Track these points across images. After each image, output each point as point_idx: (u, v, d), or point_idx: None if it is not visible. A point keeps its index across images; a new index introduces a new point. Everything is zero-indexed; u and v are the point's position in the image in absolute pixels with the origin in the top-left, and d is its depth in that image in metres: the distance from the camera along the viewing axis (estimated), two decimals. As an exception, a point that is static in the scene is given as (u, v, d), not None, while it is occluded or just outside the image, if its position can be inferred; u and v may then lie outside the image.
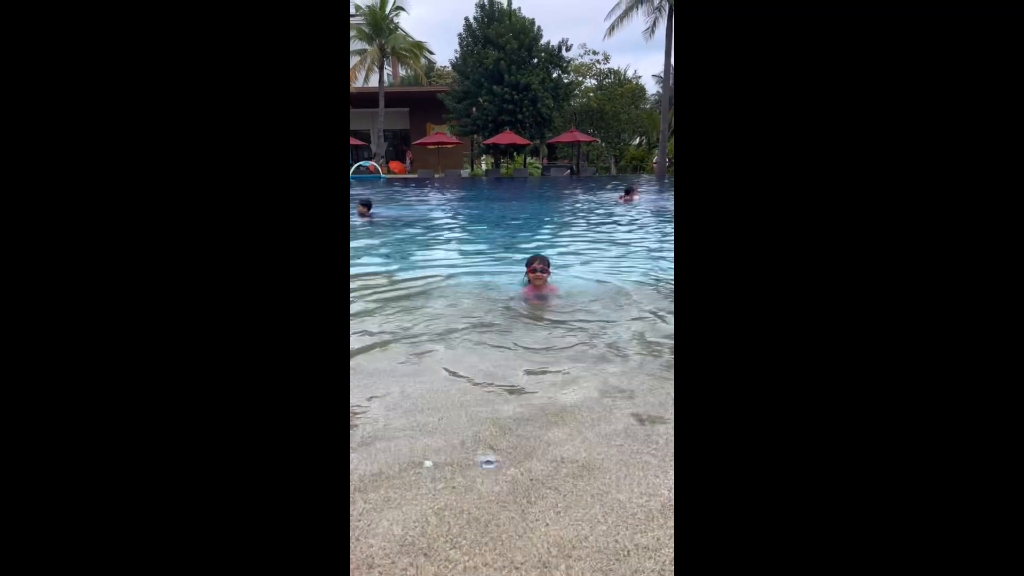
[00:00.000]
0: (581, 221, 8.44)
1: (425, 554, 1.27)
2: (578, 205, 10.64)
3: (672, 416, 1.96)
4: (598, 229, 7.48)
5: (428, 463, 1.66)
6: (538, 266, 3.64)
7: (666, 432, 1.83)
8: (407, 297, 3.87)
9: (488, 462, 1.67)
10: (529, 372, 2.45)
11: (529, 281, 3.71)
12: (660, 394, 2.17)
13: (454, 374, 2.43)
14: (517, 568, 1.23)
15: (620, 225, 7.80)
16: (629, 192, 10.18)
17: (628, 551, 1.28)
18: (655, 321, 3.23)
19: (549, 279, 3.74)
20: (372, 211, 8.43)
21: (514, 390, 2.24)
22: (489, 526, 1.37)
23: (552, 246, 6.18)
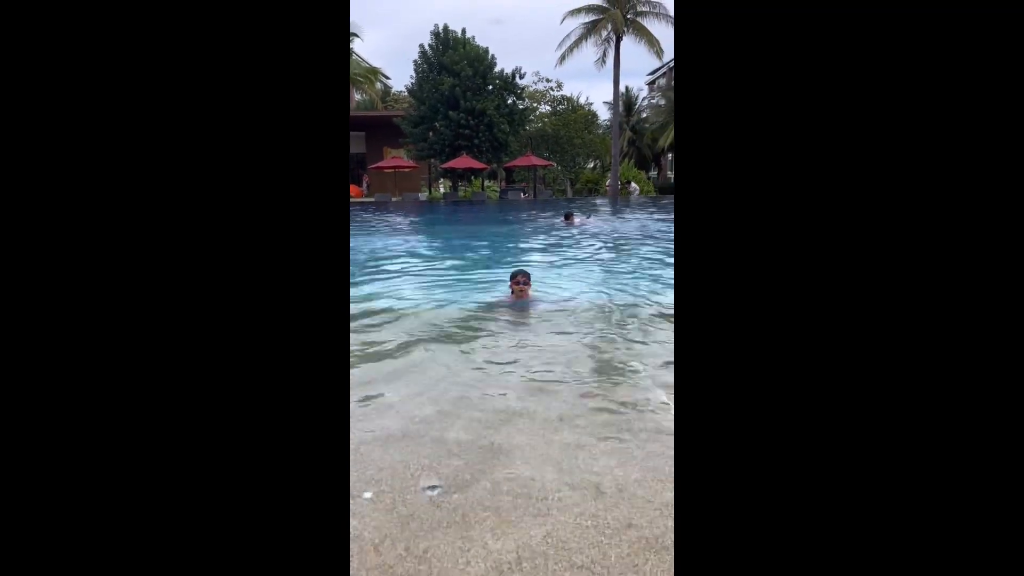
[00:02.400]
0: (534, 242, 8.60)
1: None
2: (531, 228, 10.86)
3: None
4: (547, 250, 7.66)
5: (367, 495, 1.65)
6: (521, 279, 4.02)
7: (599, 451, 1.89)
8: (364, 317, 3.83)
9: (432, 487, 1.67)
10: (483, 393, 2.47)
11: (512, 293, 4.04)
12: (604, 417, 2.24)
13: (407, 397, 2.42)
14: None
15: (562, 247, 8.04)
16: (569, 216, 10.82)
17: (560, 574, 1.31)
18: (608, 339, 3.33)
19: (531, 291, 4.11)
20: None
21: (464, 413, 2.25)
22: (428, 551, 1.37)
23: (514, 265, 6.27)
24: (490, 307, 4.16)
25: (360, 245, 8.32)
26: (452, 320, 3.86)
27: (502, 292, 4.41)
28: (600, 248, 7.97)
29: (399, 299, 4.64)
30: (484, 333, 3.55)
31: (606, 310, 4.17)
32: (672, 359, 2.95)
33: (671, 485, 1.62)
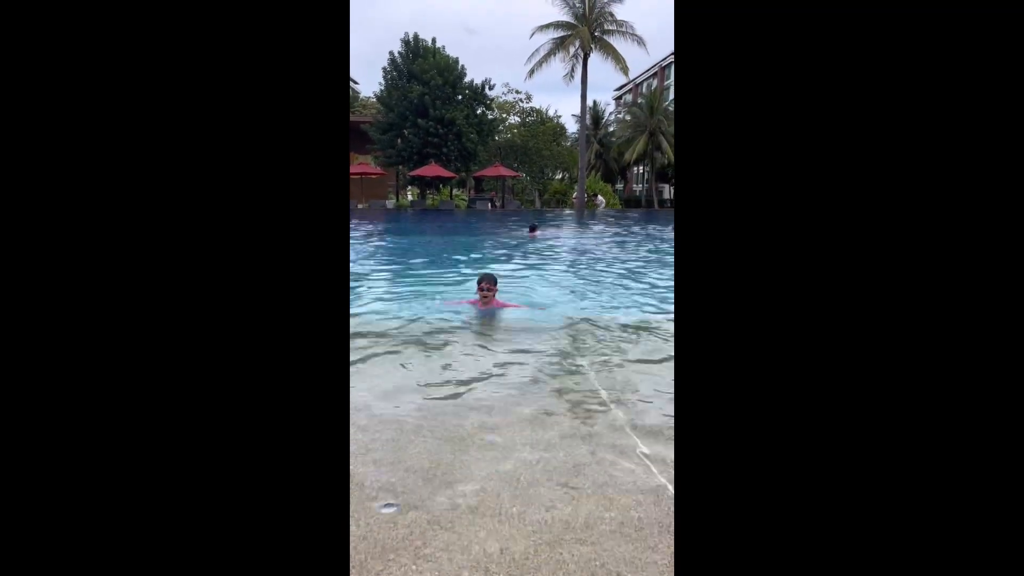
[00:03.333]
0: (498, 253, 8.60)
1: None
2: (493, 239, 10.89)
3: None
4: (509, 260, 7.70)
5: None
6: (484, 285, 4.03)
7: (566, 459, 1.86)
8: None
9: (388, 505, 1.59)
10: (447, 402, 2.40)
11: (479, 298, 4.05)
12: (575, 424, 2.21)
13: (367, 407, 2.33)
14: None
15: (527, 256, 8.12)
16: (533, 229, 11.37)
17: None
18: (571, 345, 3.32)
19: (497, 295, 4.15)
20: None
21: (425, 424, 2.18)
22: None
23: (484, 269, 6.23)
24: (455, 315, 4.10)
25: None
26: (415, 328, 3.78)
27: (467, 298, 4.37)
28: (564, 259, 8.04)
29: (363, 305, 4.52)
30: (446, 342, 3.48)
31: (571, 320, 4.18)
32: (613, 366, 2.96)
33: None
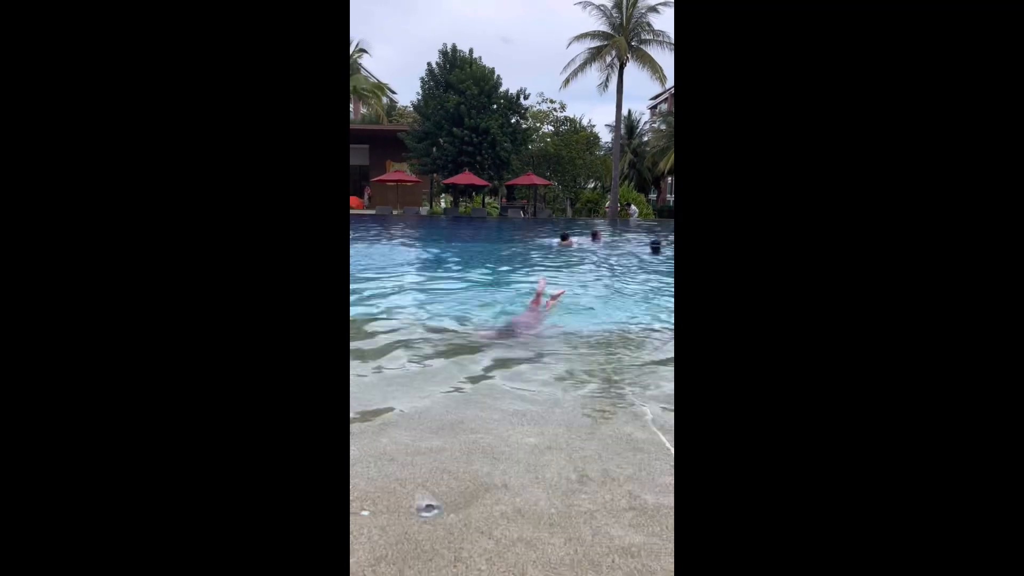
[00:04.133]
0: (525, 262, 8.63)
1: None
2: (524, 248, 10.93)
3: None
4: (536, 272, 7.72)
5: (365, 512, 1.62)
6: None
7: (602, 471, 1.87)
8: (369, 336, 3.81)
9: (430, 506, 1.65)
10: (482, 410, 2.45)
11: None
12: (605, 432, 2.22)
13: (404, 413, 2.40)
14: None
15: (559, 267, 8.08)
16: (565, 237, 11.08)
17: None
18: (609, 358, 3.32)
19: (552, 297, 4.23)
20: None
21: (463, 429, 2.23)
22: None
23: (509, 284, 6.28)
24: (493, 324, 4.14)
25: (358, 258, 8.32)
26: (452, 336, 3.85)
27: (502, 309, 4.41)
28: (601, 269, 7.99)
29: (399, 312, 4.62)
30: (486, 351, 3.53)
31: (611, 331, 4.16)
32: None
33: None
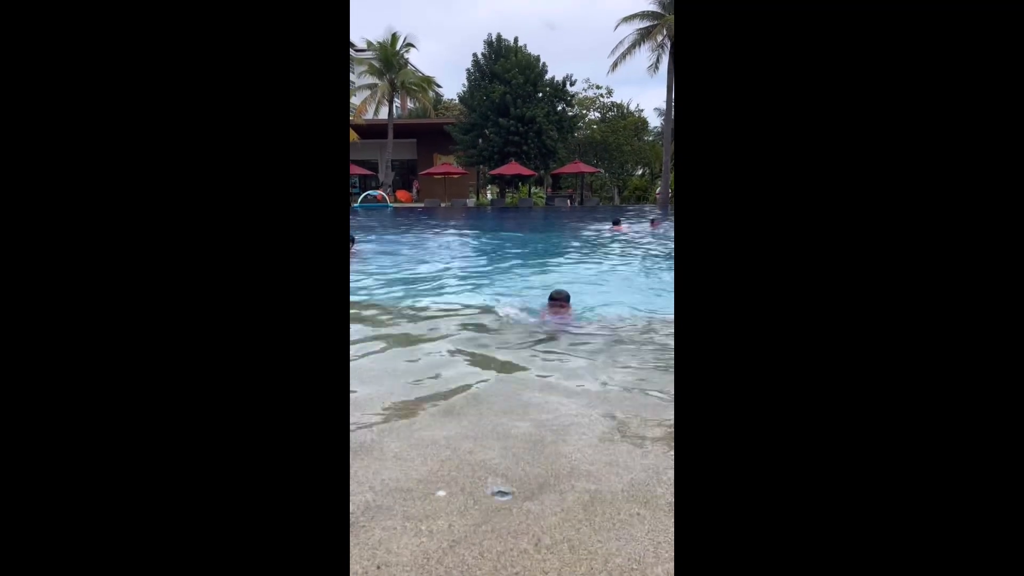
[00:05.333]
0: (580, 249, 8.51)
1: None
2: (578, 233, 10.80)
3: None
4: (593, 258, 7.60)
5: (441, 492, 1.65)
6: (557, 297, 4.08)
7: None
8: (412, 321, 3.89)
9: (502, 493, 1.65)
10: (540, 394, 2.44)
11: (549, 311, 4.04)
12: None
13: (473, 399, 2.43)
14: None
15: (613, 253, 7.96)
16: (617, 223, 11.05)
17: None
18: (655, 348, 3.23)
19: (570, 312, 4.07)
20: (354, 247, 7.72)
21: (526, 416, 2.23)
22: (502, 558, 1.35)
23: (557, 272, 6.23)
24: (524, 324, 4.00)
25: (399, 248, 8.48)
26: (487, 333, 3.85)
27: (541, 305, 4.31)
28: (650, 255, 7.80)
29: (439, 303, 4.69)
30: (518, 351, 3.52)
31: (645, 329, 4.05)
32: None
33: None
